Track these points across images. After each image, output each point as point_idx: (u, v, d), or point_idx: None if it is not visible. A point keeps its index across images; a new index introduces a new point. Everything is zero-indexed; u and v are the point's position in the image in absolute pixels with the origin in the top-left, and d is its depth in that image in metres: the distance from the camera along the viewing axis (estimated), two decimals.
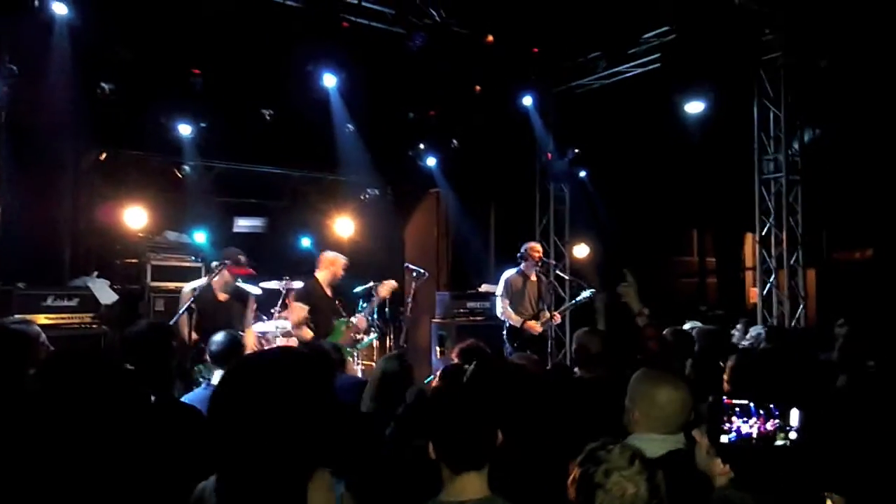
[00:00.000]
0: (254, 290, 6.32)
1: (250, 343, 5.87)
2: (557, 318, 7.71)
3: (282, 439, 1.23)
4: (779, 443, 2.06)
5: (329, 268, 6.63)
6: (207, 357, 4.36)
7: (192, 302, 5.38)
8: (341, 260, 6.70)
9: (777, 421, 2.06)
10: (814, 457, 2.29)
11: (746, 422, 2.08)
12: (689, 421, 2.63)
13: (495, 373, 3.69)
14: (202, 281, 5.87)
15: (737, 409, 2.11)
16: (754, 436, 2.07)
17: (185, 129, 7.73)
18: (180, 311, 5.39)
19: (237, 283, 5.93)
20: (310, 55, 7.62)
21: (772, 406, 2.08)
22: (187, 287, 5.81)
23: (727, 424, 2.09)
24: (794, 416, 2.09)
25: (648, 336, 4.61)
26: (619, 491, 1.77)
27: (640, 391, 2.70)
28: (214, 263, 6.60)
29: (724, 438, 2.11)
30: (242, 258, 5.85)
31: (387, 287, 6.95)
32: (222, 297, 5.83)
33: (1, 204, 6.39)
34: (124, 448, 2.33)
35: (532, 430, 3.12)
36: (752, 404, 2.09)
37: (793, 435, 2.06)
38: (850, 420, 3.00)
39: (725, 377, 3.67)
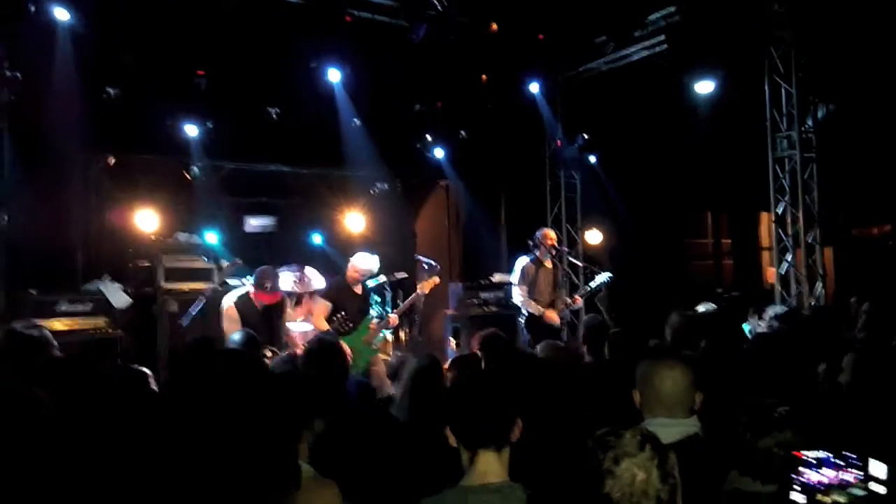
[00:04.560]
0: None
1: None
2: (579, 302, 7.67)
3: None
4: (858, 493, 1.93)
5: (352, 273, 6.72)
6: None
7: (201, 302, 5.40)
8: (371, 264, 6.75)
9: (858, 472, 1.94)
10: None
11: (819, 472, 1.96)
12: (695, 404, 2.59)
13: (516, 362, 3.65)
14: (240, 292, 6.08)
15: (811, 461, 2.00)
16: (829, 485, 1.94)
17: (191, 130, 7.72)
18: (191, 313, 5.44)
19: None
20: (313, 51, 7.60)
21: (851, 456, 1.96)
22: (230, 299, 5.99)
23: (800, 478, 1.98)
24: (878, 468, 1.96)
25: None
26: (628, 477, 1.70)
27: (641, 376, 2.69)
28: (225, 263, 6.67)
29: (797, 497, 2.00)
30: (269, 284, 5.89)
31: (428, 284, 7.12)
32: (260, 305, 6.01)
33: (10, 211, 6.42)
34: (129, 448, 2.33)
35: (551, 418, 3.09)
36: (829, 455, 1.97)
37: (879, 488, 1.92)
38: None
39: None
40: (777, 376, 3.06)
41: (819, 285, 7.79)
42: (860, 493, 1.94)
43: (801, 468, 1.97)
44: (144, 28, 6.79)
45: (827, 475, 1.96)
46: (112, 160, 7.77)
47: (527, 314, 7.35)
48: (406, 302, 7.15)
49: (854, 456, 1.97)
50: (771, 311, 6.10)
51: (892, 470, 1.94)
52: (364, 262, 6.74)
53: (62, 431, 2.51)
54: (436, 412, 3.42)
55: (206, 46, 7.14)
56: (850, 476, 1.95)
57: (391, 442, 3.18)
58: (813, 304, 7.64)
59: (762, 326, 5.95)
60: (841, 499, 1.94)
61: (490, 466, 2.18)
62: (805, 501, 1.97)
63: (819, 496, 1.96)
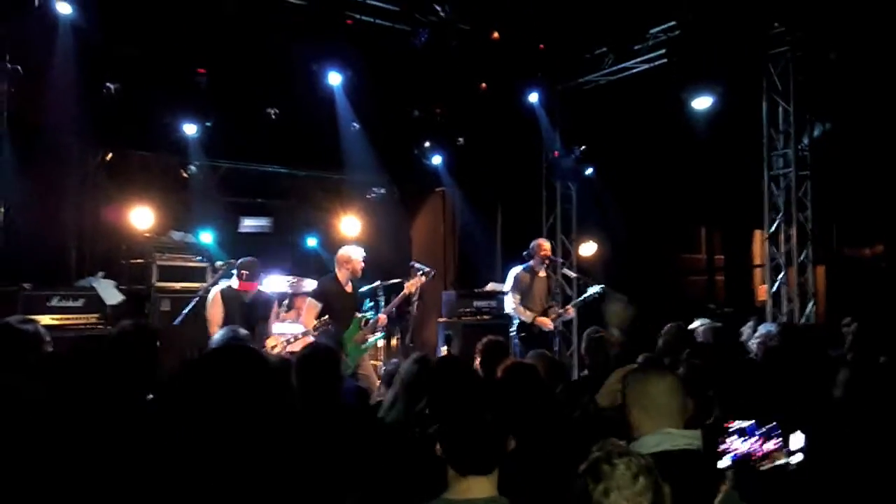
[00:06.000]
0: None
1: (271, 344, 6.00)
2: (571, 312, 7.71)
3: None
4: (780, 462, 2.02)
5: (345, 266, 6.56)
6: None
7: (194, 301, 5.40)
8: (355, 256, 6.58)
9: (779, 441, 2.02)
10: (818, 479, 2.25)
11: (745, 441, 2.04)
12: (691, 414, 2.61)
13: (515, 374, 3.63)
14: (228, 283, 6.10)
15: (735, 432, 2.06)
16: (753, 455, 2.03)
17: (190, 129, 7.71)
18: (184, 313, 5.45)
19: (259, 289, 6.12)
20: (314, 53, 7.61)
21: (773, 426, 2.03)
22: (215, 289, 6.05)
23: (722, 446, 2.04)
24: (798, 438, 2.04)
25: None
26: None
27: (631, 391, 2.66)
28: (219, 263, 6.66)
29: (722, 463, 2.07)
30: (245, 272, 5.94)
31: (414, 283, 6.85)
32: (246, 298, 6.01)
33: (6, 204, 6.40)
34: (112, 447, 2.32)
35: (543, 431, 3.08)
36: (752, 424, 2.05)
37: (797, 458, 2.01)
38: (855, 437, 2.92)
39: None
40: (777, 391, 3.08)
41: (810, 304, 7.83)
42: (782, 461, 2.04)
43: (727, 437, 2.06)
44: (146, 24, 6.79)
45: (751, 444, 2.04)
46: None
47: (518, 322, 7.36)
48: (394, 300, 7.00)
49: (775, 427, 2.07)
50: (763, 329, 6.12)
51: (811, 441, 2.07)
52: (355, 253, 6.60)
53: (54, 427, 2.50)
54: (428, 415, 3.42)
55: (208, 45, 7.14)
56: (772, 445, 2.03)
57: (379, 447, 3.16)
58: (803, 322, 7.67)
59: (754, 343, 5.97)
60: (765, 466, 2.04)
61: (476, 484, 2.11)
62: (731, 468, 2.07)
63: (745, 463, 2.07)
